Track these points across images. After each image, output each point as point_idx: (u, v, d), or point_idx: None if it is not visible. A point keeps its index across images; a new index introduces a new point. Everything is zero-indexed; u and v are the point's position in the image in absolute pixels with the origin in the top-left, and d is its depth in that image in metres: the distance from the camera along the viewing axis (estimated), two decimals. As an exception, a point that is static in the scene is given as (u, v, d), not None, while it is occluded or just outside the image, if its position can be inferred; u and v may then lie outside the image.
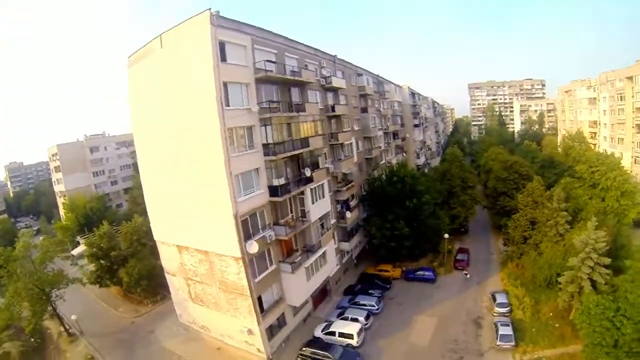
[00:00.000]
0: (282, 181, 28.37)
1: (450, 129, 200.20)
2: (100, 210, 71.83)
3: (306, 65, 34.78)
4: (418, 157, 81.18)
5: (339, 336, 30.77)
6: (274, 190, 28.23)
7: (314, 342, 30.72)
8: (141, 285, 43.66)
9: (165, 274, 36.36)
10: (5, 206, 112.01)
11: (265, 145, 27.67)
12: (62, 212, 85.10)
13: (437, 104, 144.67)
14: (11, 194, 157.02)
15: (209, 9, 23.81)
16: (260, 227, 28.01)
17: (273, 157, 27.60)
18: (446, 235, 43.10)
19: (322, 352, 28.71)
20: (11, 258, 38.90)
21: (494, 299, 34.67)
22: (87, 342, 38.32)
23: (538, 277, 35.35)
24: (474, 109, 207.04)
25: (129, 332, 39.50)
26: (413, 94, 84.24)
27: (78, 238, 64.66)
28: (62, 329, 40.83)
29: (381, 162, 55.97)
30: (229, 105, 24.96)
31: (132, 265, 43.33)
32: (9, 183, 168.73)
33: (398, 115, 71.38)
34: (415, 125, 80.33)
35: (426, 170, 76.88)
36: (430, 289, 39.58)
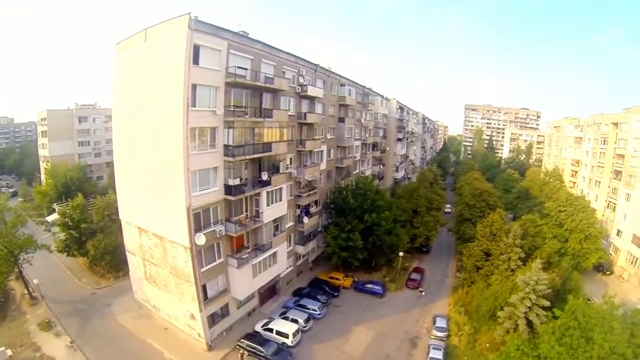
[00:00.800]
0: (237, 182, 32.18)
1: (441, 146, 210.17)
2: (79, 180, 76.63)
3: (283, 72, 38.52)
4: (397, 171, 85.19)
5: (276, 334, 34.88)
6: (228, 189, 32.09)
7: (253, 336, 34.74)
8: (105, 259, 48.30)
9: (126, 252, 40.87)
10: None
11: (226, 147, 31.40)
12: (43, 176, 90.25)
13: (429, 119, 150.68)
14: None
15: (189, 13, 27.11)
16: (212, 221, 32.01)
17: (231, 159, 31.41)
18: (401, 253, 47.00)
19: (257, 347, 32.84)
20: (-16, 218, 42.41)
21: (434, 322, 38.33)
22: (47, 306, 42.68)
23: (482, 308, 38.69)
24: (466, 129, 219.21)
25: (87, 302, 43.87)
26: (401, 108, 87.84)
27: (54, 205, 69.40)
28: (25, 291, 45.11)
29: (354, 172, 59.90)
30: (195, 106, 28.63)
31: (99, 239, 47.93)
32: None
33: (381, 127, 74.94)
34: (399, 139, 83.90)
35: (406, 182, 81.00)
36: (376, 303, 43.49)
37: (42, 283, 45.25)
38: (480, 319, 38.81)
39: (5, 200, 47.86)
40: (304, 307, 39.84)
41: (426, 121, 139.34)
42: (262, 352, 32.39)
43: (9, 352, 33.98)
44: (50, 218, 66.62)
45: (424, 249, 58.38)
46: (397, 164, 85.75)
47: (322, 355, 34.23)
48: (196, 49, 28.22)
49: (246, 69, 32.48)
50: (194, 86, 28.56)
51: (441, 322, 38.13)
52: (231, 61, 31.34)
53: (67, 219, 50.44)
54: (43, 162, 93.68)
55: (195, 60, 28.32)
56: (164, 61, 29.45)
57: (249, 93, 34.25)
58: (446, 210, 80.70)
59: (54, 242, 52.32)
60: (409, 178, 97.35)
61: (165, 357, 33.51)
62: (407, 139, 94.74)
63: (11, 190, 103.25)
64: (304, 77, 42.14)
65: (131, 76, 33.99)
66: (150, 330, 37.32)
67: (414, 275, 48.81)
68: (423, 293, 45.57)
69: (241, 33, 33.36)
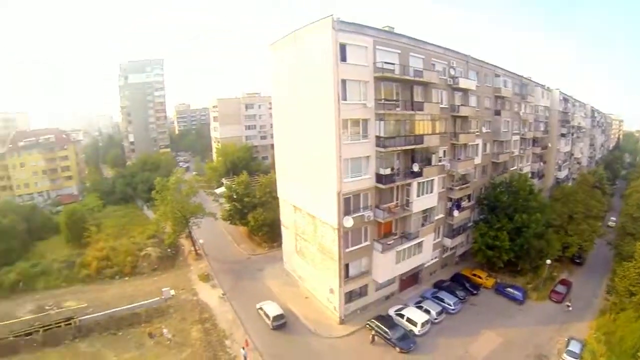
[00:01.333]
0: (387, 171, 34.03)
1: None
2: (246, 159, 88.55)
3: (433, 65, 38.64)
4: (559, 170, 76.59)
5: (406, 320, 36.10)
6: (379, 178, 34.27)
7: (383, 318, 36.26)
8: (263, 230, 56.04)
9: (281, 226, 47.19)
10: (170, 141, 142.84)
11: (378, 138, 33.49)
12: (214, 154, 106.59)
13: (599, 112, 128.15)
14: (176, 131, 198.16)
15: (331, 15, 29.22)
16: (361, 206, 34.56)
17: (383, 149, 33.40)
18: (548, 261, 43.13)
19: (384, 328, 34.43)
20: (165, 187, 52.85)
21: (567, 344, 33.94)
22: (208, 262, 51.97)
23: (626, 342, 32.25)
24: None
25: (242, 264, 51.90)
26: (565, 99, 78.23)
27: (223, 179, 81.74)
28: (192, 248, 55.91)
29: (511, 168, 56.47)
30: (345, 100, 31.21)
31: (259, 213, 55.59)
32: (175, 121, 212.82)
33: (542, 121, 68.64)
34: (562, 135, 74.95)
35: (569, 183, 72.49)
36: (514, 309, 40.61)
37: (206, 243, 54.84)
38: (622, 354, 31.77)
39: (181, 173, 58.88)
40: (440, 299, 40.02)
41: (596, 114, 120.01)
42: (388, 334, 33.84)
43: (173, 292, 43.84)
44: (218, 190, 78.30)
45: (577, 261, 51.73)
46: (559, 162, 77.21)
47: (444, 350, 33.85)
48: (342, 47, 30.48)
49: (394, 64, 33.73)
50: (344, 81, 31.08)
51: (575, 347, 33.42)
52: (378, 56, 32.85)
53: (232, 193, 59.60)
54: (214, 142, 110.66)
55: (343, 58, 30.64)
56: (314, 59, 32.80)
57: (399, 86, 35.41)
58: (610, 223, 68.88)
59: (220, 211, 62.96)
60: (573, 178, 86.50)
61: (300, 322, 37.80)
62: (572, 135, 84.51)
63: (186, 164, 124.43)
64: (454, 69, 41.62)
65: (285, 73, 38.87)
66: (293, 297, 42.30)
67: (560, 288, 43.94)
68: (570, 308, 40.92)
69: (386, 29, 34.75)
